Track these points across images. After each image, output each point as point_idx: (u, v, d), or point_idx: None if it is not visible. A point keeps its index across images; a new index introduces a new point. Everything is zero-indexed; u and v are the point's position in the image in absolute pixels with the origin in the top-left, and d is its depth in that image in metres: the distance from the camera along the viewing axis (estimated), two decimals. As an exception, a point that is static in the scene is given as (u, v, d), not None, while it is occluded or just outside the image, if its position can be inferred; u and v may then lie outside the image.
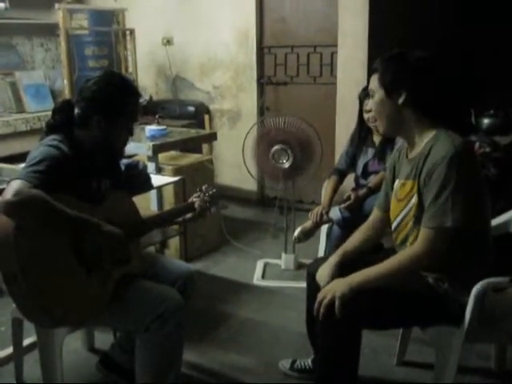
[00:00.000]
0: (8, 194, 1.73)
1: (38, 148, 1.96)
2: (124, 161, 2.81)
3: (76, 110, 2.08)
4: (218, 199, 2.56)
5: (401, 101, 1.97)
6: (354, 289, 1.89)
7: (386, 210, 2.23)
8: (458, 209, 1.84)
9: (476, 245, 1.98)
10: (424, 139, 1.99)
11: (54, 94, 5.06)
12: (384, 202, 2.25)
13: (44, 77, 5.12)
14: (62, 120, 2.11)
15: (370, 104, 2.06)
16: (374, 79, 2.04)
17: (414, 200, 1.98)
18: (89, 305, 1.96)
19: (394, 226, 2.13)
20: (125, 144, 2.22)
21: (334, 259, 2.13)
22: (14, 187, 1.75)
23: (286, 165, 3.61)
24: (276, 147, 3.59)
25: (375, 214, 2.29)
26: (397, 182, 2.13)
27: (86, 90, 2.08)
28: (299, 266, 3.83)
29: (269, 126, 3.68)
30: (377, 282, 1.91)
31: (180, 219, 2.52)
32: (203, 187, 2.53)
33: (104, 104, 2.05)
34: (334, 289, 1.91)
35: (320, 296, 1.94)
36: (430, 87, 1.99)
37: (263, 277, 3.76)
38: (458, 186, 1.84)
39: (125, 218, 2.06)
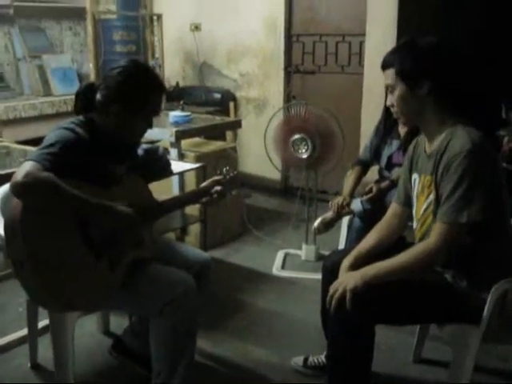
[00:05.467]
0: (19, 175, 1.73)
1: (54, 130, 1.96)
2: (144, 146, 2.79)
3: (98, 96, 2.07)
4: (237, 182, 2.53)
5: (425, 91, 1.89)
6: (366, 282, 1.84)
7: (405, 204, 2.17)
8: (474, 204, 1.78)
9: (495, 242, 1.91)
10: (443, 134, 1.91)
11: (81, 78, 5.08)
12: (403, 196, 2.18)
13: (72, 60, 5.14)
14: (83, 103, 2.11)
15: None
16: (390, 74, 1.94)
17: (432, 195, 1.93)
18: (98, 290, 1.95)
19: (416, 222, 2.07)
20: (141, 136, 2.21)
21: (347, 261, 2.05)
22: (25, 168, 1.75)
23: (305, 155, 3.57)
24: (296, 136, 3.56)
25: (393, 210, 2.22)
26: (418, 178, 2.05)
27: (111, 78, 2.06)
28: (320, 257, 3.78)
29: (291, 114, 3.64)
30: (390, 276, 1.86)
31: (201, 201, 2.47)
32: (224, 169, 2.50)
33: (125, 97, 2.03)
34: (345, 281, 1.87)
35: (332, 289, 1.90)
36: (453, 73, 1.92)
37: (283, 267, 3.73)
38: (474, 182, 1.78)
39: (137, 202, 2.05)
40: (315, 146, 3.54)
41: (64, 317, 2.14)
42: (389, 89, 1.97)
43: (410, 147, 2.19)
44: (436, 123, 1.94)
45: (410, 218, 2.20)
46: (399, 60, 1.91)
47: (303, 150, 3.57)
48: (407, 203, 2.16)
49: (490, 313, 1.86)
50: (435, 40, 1.93)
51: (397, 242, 2.23)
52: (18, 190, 1.73)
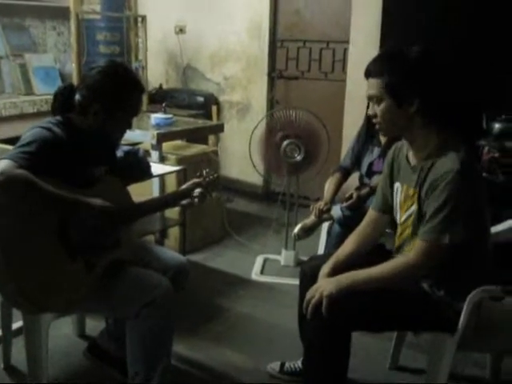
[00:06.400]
0: None
1: (30, 129, 1.95)
2: (124, 147, 2.78)
3: (77, 96, 2.07)
4: (217, 184, 2.52)
5: (413, 109, 1.84)
6: (342, 289, 1.84)
7: (382, 211, 2.16)
8: (457, 226, 1.78)
9: (473, 253, 1.91)
10: (429, 146, 1.89)
11: (64, 78, 5.04)
12: (381, 203, 2.16)
13: (54, 60, 5.09)
14: (61, 103, 2.10)
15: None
16: (374, 84, 1.86)
17: (414, 207, 1.92)
18: (73, 292, 1.93)
19: (398, 231, 2.07)
20: (121, 136, 2.20)
21: (326, 269, 2.04)
22: (0, 167, 1.73)
23: (298, 158, 3.57)
24: (287, 141, 3.55)
25: (370, 216, 2.20)
26: (401, 187, 2.03)
27: (89, 78, 2.07)
28: (299, 262, 3.76)
29: (278, 119, 3.64)
30: (367, 286, 1.86)
31: (181, 203, 2.44)
32: (204, 171, 2.48)
33: (104, 97, 2.03)
34: (322, 287, 1.87)
35: (308, 295, 1.90)
36: (442, 90, 1.88)
37: (262, 272, 3.72)
38: (458, 204, 1.78)
39: (115, 203, 2.03)
40: (307, 148, 3.56)
41: (38, 318, 2.11)
42: (373, 99, 1.90)
43: (390, 152, 2.15)
44: (423, 137, 1.89)
45: (388, 224, 2.21)
46: (388, 73, 1.83)
47: (295, 154, 3.57)
48: (385, 210, 2.15)
49: (466, 321, 1.87)
50: (424, 52, 1.85)
51: (376, 249, 2.23)
52: None
